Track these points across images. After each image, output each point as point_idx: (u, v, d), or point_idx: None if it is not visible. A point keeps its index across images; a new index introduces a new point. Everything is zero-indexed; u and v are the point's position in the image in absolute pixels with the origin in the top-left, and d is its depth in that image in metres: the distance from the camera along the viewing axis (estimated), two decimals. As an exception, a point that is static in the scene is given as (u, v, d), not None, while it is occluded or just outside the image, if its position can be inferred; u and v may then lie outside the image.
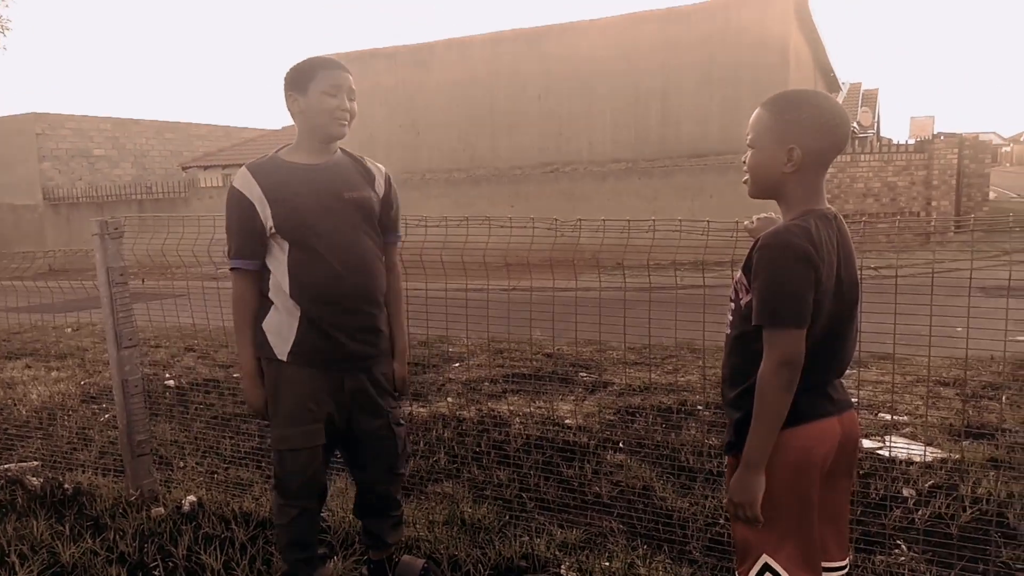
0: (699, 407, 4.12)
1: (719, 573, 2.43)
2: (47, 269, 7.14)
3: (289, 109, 2.20)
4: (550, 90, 15.07)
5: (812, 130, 1.52)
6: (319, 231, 2.12)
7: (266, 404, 2.22)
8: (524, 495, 3.09)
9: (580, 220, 3.35)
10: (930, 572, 2.36)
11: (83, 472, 3.52)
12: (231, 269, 2.20)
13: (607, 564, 2.48)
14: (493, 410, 4.21)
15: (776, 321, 1.48)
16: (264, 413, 2.24)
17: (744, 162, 1.62)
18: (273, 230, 2.12)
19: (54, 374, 5.61)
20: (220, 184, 20.08)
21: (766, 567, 1.56)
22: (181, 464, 3.59)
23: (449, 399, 4.54)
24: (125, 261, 3.16)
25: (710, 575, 2.40)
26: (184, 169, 22.92)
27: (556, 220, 3.45)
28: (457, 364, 5.45)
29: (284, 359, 2.16)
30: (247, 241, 2.15)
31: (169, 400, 4.64)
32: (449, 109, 15.97)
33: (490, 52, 15.52)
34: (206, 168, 22.59)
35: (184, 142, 24.22)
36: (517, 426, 3.89)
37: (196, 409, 4.38)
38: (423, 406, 4.35)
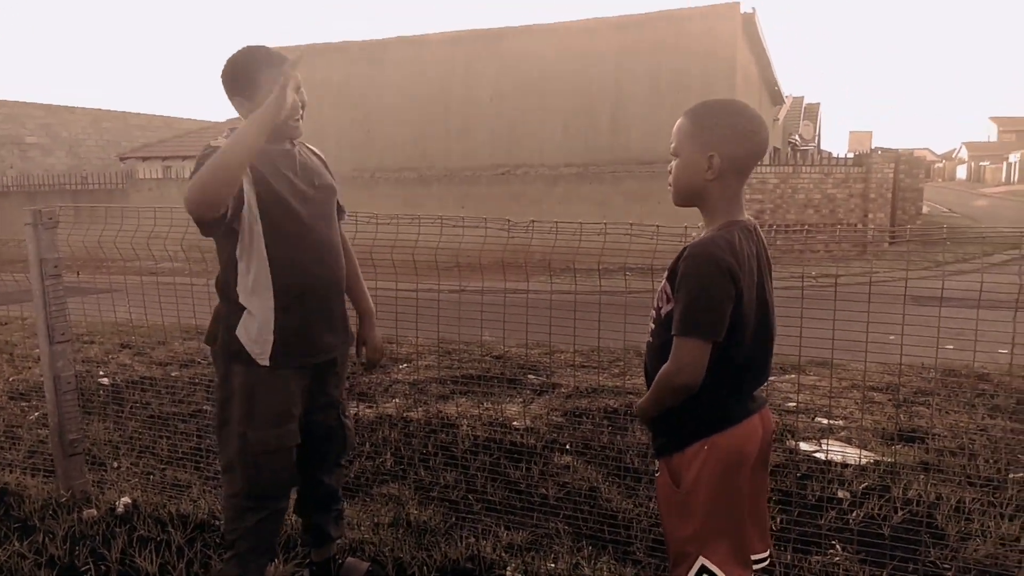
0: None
1: (662, 573, 2.47)
2: (-27, 259, 6.80)
3: (237, 111, 2.10)
4: (504, 93, 15.10)
5: (731, 137, 1.56)
6: (296, 216, 2.05)
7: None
8: (471, 497, 3.08)
9: (533, 221, 3.37)
10: (863, 572, 2.44)
11: (10, 472, 3.36)
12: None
13: (552, 566, 2.49)
14: (441, 411, 4.18)
15: (689, 330, 1.51)
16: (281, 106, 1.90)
17: (669, 171, 1.66)
18: (253, 205, 1.97)
19: (-22, 370, 5.34)
20: (160, 176, 19.49)
21: (703, 569, 1.58)
22: (115, 464, 3.46)
23: (396, 400, 4.49)
24: (59, 253, 3.04)
25: (653, 575, 2.43)
26: (122, 160, 22.17)
27: (509, 221, 3.46)
28: (405, 365, 5.40)
29: (266, 363, 2.06)
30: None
31: (103, 398, 4.47)
32: (401, 108, 15.85)
33: (445, 52, 15.46)
34: (145, 159, 21.92)
35: (122, 132, 23.44)
36: (465, 428, 3.88)
37: (131, 408, 4.23)
38: (369, 407, 4.29)
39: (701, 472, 1.57)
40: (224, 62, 2.10)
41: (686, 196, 1.64)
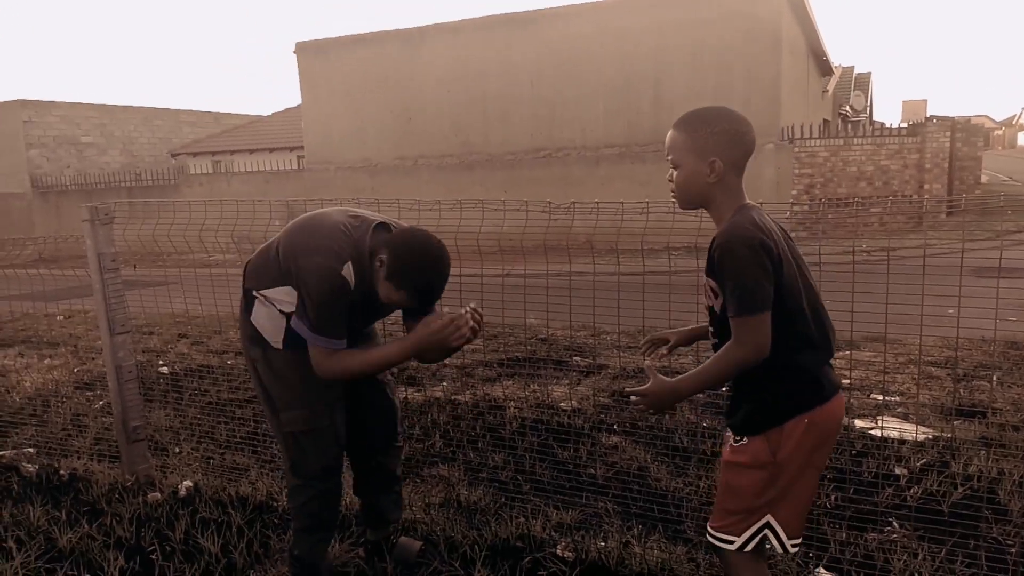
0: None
1: (713, 552, 2.45)
2: (37, 257, 7.09)
3: (377, 255, 2.02)
4: (542, 75, 15.00)
5: (726, 142, 1.66)
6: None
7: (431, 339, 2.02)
8: (519, 477, 3.11)
9: (574, 203, 3.35)
10: (922, 549, 2.39)
11: (78, 459, 3.51)
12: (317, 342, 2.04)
13: (603, 544, 2.50)
14: (488, 394, 4.22)
15: (745, 310, 1.56)
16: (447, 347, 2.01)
17: (670, 179, 1.73)
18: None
19: (47, 361, 5.59)
20: (210, 171, 19.97)
21: (767, 525, 1.68)
22: (176, 450, 3.59)
23: (444, 384, 4.54)
24: (116, 247, 3.15)
25: (704, 553, 2.42)
26: (173, 156, 22.77)
27: (550, 203, 3.45)
28: (451, 349, 5.45)
29: (279, 347, 2.15)
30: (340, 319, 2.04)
31: (163, 387, 4.63)
32: (440, 95, 15.89)
33: (481, 37, 15.42)
34: (195, 155, 22.47)
35: (172, 129, 24.03)
36: (512, 410, 3.91)
37: (191, 395, 4.37)
38: (418, 391, 4.35)
39: (800, 445, 1.63)
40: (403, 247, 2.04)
41: (692, 201, 1.73)
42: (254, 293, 2.16)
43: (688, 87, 13.94)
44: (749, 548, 1.69)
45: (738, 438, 1.71)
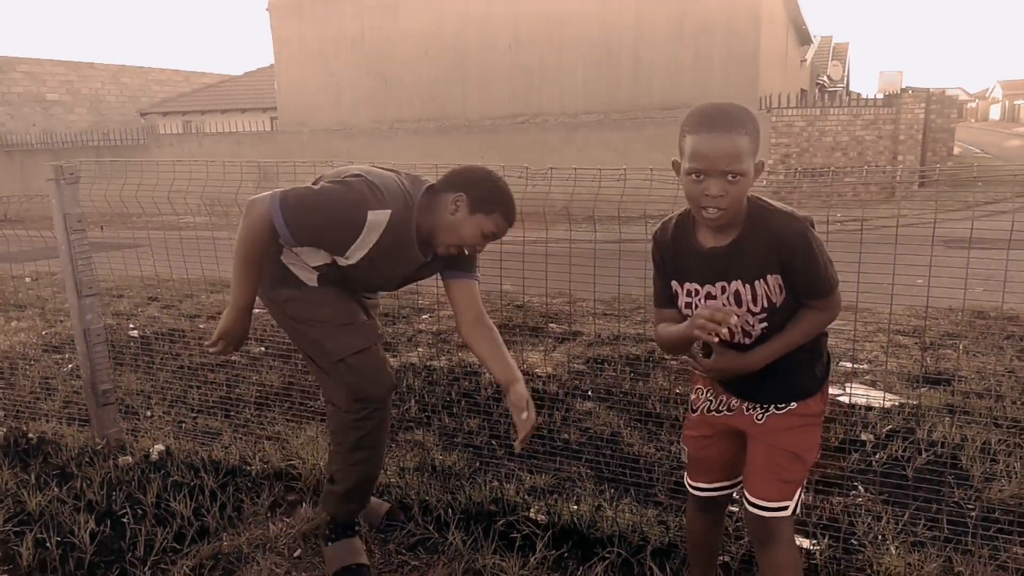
0: (666, 356, 4.17)
1: (683, 514, 2.50)
2: (3, 217, 6.90)
3: (446, 202, 2.08)
4: (521, 40, 14.80)
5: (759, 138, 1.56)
6: (368, 283, 2.27)
7: (243, 335, 2.21)
8: (494, 442, 3.13)
9: (551, 169, 3.33)
10: (886, 512, 2.45)
11: (47, 422, 3.46)
12: (275, 205, 1.99)
13: (575, 507, 2.53)
14: (463, 360, 4.22)
15: (834, 285, 1.62)
16: (237, 341, 2.22)
17: (723, 194, 1.48)
18: (347, 256, 2.08)
19: (14, 324, 5.48)
20: (180, 131, 19.54)
21: (799, 496, 1.74)
22: (148, 413, 3.56)
23: (420, 349, 4.54)
24: (82, 208, 3.07)
25: (675, 516, 2.46)
26: (142, 115, 22.22)
27: (527, 168, 3.42)
28: (427, 316, 5.44)
29: (314, 284, 2.17)
30: (328, 231, 2.04)
31: (134, 350, 4.57)
32: (418, 58, 15.62)
33: (460, 0, 15.14)
34: (165, 115, 21.95)
35: (142, 87, 23.42)
36: (487, 375, 3.91)
37: (162, 359, 4.32)
38: (393, 356, 4.34)
39: (825, 401, 1.76)
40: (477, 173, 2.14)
41: (737, 213, 1.56)
42: (293, 249, 2.14)
43: (668, 56, 13.86)
44: (797, 510, 1.74)
45: (781, 405, 1.69)
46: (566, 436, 3.16)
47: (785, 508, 1.71)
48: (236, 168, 3.49)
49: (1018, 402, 3.33)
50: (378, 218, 2.01)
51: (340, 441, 2.24)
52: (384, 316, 5.13)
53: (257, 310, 4.78)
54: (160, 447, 3.11)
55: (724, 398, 1.78)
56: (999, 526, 2.35)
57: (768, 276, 1.59)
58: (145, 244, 3.99)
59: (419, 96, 15.76)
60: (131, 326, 5.26)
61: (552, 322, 5.15)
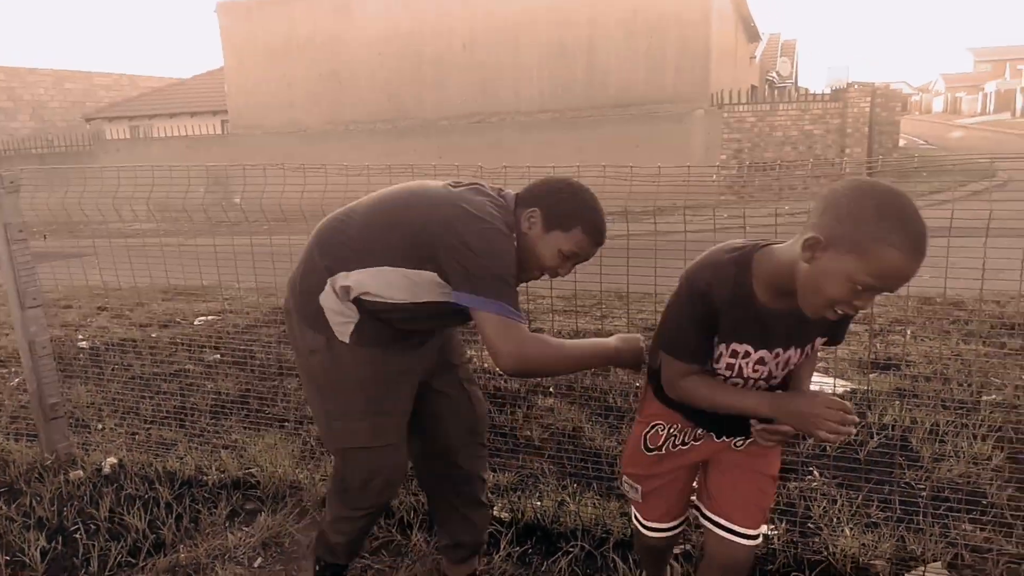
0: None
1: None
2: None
3: (524, 216, 1.77)
4: (476, 40, 14.78)
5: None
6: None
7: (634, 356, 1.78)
8: (456, 442, 3.11)
9: (506, 167, 3.33)
10: (840, 495, 2.51)
11: (-9, 439, 3.34)
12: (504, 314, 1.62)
13: (539, 503, 2.54)
14: (424, 361, 4.19)
15: None
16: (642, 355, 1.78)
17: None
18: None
19: (-46, 340, 5.27)
20: (128, 136, 19.04)
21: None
22: (99, 426, 3.46)
23: (379, 352, 4.50)
24: (23, 216, 2.96)
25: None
26: (88, 121, 21.59)
27: (481, 168, 3.41)
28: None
29: (345, 340, 1.75)
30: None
31: (83, 362, 4.44)
32: (372, 59, 15.48)
33: (415, 0, 15.05)
34: (111, 120, 21.36)
35: (86, 92, 22.76)
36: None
37: (113, 370, 4.20)
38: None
39: None
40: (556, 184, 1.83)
41: None
42: (330, 275, 1.73)
43: (621, 55, 13.99)
44: None
45: (759, 427, 1.52)
46: (528, 433, 3.16)
47: (762, 532, 1.67)
48: (186, 173, 3.42)
49: (964, 384, 3.44)
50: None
51: (331, 520, 1.99)
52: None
53: (210, 317, 4.67)
54: (112, 460, 3.03)
55: (689, 430, 1.68)
56: (948, 504, 2.43)
57: (818, 339, 1.54)
58: (93, 253, 3.87)
59: (374, 97, 15.63)
60: (80, 337, 5.11)
61: (512, 320, 5.15)
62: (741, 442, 1.66)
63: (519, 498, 2.58)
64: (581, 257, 1.81)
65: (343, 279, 1.70)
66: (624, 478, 1.82)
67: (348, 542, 2.02)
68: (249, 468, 2.86)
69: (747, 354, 1.49)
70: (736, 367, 1.51)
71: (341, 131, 15.68)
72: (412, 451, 2.03)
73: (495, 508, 2.53)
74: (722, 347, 1.50)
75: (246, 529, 2.50)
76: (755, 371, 1.51)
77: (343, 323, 1.74)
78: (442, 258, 1.64)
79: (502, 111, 14.86)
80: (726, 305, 1.44)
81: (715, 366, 1.52)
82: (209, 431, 3.30)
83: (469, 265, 1.61)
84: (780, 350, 1.50)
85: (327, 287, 1.73)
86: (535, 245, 1.76)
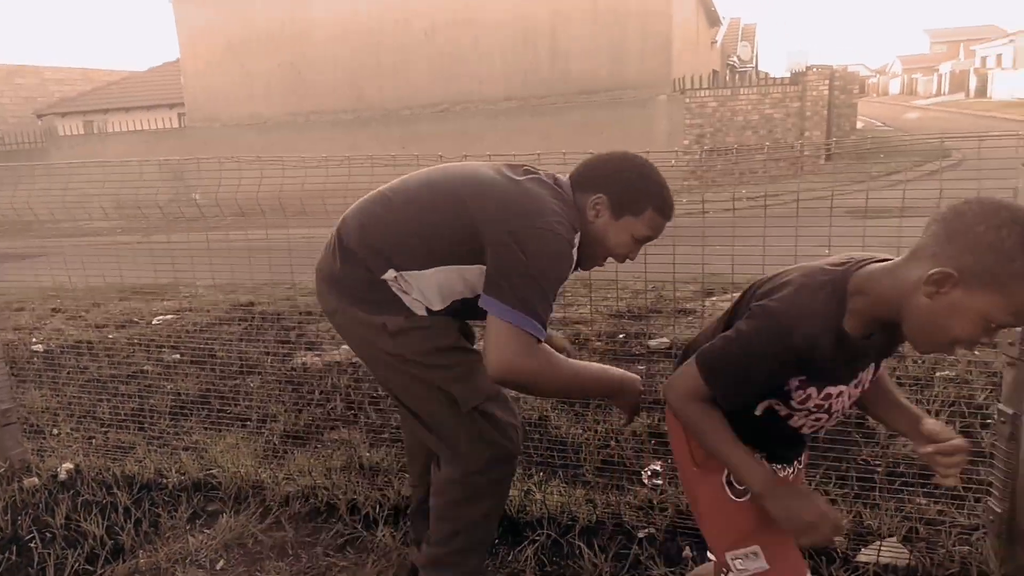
0: (591, 338, 4.23)
1: (610, 491, 2.54)
2: None
3: (588, 204, 1.67)
4: (438, 27, 14.64)
5: None
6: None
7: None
8: (422, 435, 3.10)
9: (465, 156, 3.30)
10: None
11: (-59, 448, 3.24)
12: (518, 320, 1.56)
13: (504, 494, 2.54)
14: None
15: None
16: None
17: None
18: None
19: (-99, 347, 5.10)
20: (82, 132, 18.55)
21: None
22: (55, 431, 3.38)
23: (344, 347, 4.45)
24: (-33, 217, 2.87)
25: (602, 493, 2.50)
26: (39, 117, 20.96)
27: (441, 156, 3.38)
28: (351, 310, 5.35)
29: (423, 312, 1.67)
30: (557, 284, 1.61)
31: (37, 365, 4.32)
32: (332, 48, 15.26)
33: (373, -13, 14.86)
34: (64, 115, 20.77)
35: (37, 87, 22.09)
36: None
37: (68, 373, 4.10)
38: (317, 355, 4.25)
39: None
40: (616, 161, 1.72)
41: None
42: (389, 267, 1.64)
43: (584, 41, 13.97)
44: None
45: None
46: (494, 423, 3.16)
47: None
48: (144, 168, 3.34)
49: (919, 361, 3.52)
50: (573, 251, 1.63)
51: (464, 512, 1.80)
52: (307, 314, 5.02)
53: (169, 317, 4.58)
54: (68, 466, 2.96)
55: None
56: (903, 479, 2.48)
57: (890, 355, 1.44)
58: (45, 253, 3.77)
59: (335, 87, 15.41)
60: (33, 340, 4.97)
61: (478, 310, 5.14)
62: (793, 470, 1.52)
63: (485, 489, 2.58)
64: (653, 238, 1.70)
65: (400, 276, 1.64)
66: (730, 557, 1.42)
67: (496, 512, 1.87)
68: (210, 469, 2.81)
69: (840, 394, 1.35)
70: (826, 406, 1.36)
71: (302, 122, 15.46)
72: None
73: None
74: (811, 390, 1.33)
75: (208, 531, 2.46)
76: (841, 405, 1.38)
77: (413, 301, 1.66)
78: (489, 253, 1.56)
79: (466, 99, 14.77)
80: (822, 352, 1.25)
81: (798, 405, 1.36)
82: (169, 433, 3.24)
83: (513, 267, 1.51)
84: (861, 375, 1.37)
85: (388, 275, 1.64)
86: (604, 234, 1.66)
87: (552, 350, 1.63)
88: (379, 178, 3.29)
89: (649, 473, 2.68)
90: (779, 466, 1.49)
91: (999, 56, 42.74)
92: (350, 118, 15.21)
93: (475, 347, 1.80)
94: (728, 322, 1.41)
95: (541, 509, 2.43)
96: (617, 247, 1.68)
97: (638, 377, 1.74)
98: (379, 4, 14.83)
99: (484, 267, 1.59)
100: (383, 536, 2.34)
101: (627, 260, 1.74)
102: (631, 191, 1.65)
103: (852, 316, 1.24)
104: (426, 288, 1.64)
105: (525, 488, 2.56)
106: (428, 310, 1.67)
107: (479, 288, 1.61)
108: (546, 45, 14.26)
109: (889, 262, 1.24)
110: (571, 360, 1.66)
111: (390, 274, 1.64)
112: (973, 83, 40.07)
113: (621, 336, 4.26)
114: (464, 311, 1.70)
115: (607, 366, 1.72)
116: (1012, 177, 1.97)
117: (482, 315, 1.61)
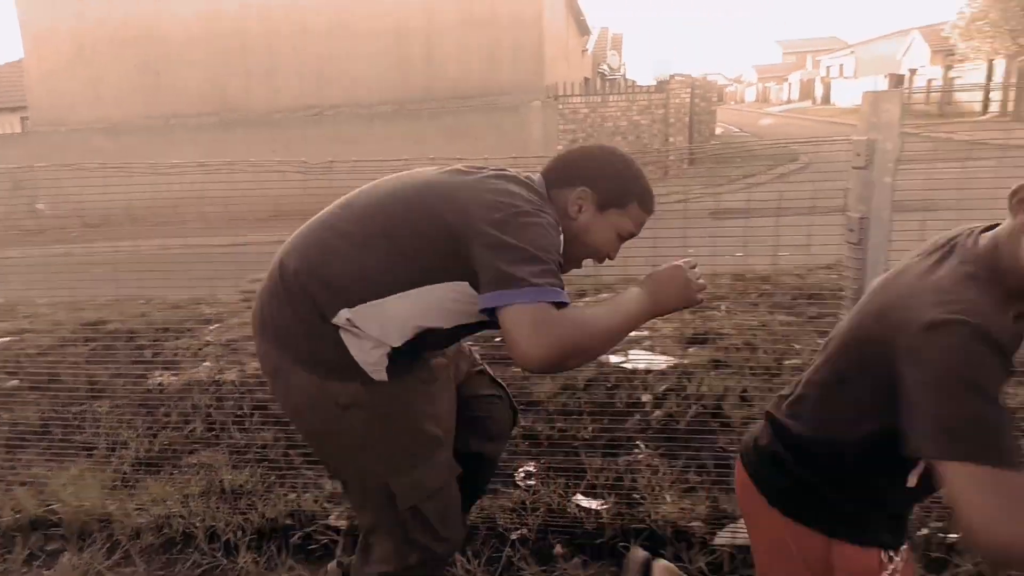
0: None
1: (483, 495, 2.54)
2: None
3: (570, 200, 1.55)
4: (307, 27, 14.23)
5: None
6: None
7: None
8: (291, 453, 2.99)
9: (332, 162, 3.22)
10: (663, 464, 2.67)
11: None
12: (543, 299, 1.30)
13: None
14: (257, 369, 3.99)
15: None
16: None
17: None
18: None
19: None
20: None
21: None
22: None
23: (207, 364, 4.22)
24: None
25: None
26: None
27: (304, 162, 3.29)
28: (216, 325, 5.08)
29: (384, 379, 1.48)
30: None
31: None
32: (193, 49, 14.49)
33: (235, -15, 14.24)
34: None
35: None
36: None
37: None
38: (175, 375, 4.00)
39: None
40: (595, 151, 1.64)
41: None
42: (347, 307, 1.43)
43: (458, 45, 14.02)
44: None
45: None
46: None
47: None
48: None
49: (770, 351, 3.77)
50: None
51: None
52: (165, 331, 4.72)
53: (6, 339, 4.19)
54: None
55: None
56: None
57: None
58: None
59: (196, 88, 14.64)
60: None
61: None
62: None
63: (355, 503, 2.52)
64: (635, 234, 1.61)
65: (367, 311, 1.41)
66: None
67: None
68: (50, 504, 2.58)
69: None
70: None
71: (160, 126, 14.57)
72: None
73: (331, 516, 2.46)
74: None
75: (47, 573, 2.26)
76: None
77: (376, 360, 1.45)
78: (475, 254, 1.35)
79: (339, 103, 14.44)
80: (1012, 346, 1.03)
81: None
82: (3, 467, 2.95)
83: (504, 253, 1.32)
84: None
85: (344, 324, 1.42)
86: (588, 230, 1.54)
87: (575, 309, 1.37)
88: (247, 185, 3.16)
89: (523, 474, 2.72)
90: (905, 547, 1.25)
91: (841, 66, 46.76)
92: (214, 121, 14.49)
93: (437, 428, 1.59)
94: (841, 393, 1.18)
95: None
96: (601, 243, 1.58)
97: (675, 264, 1.52)
98: (244, 1, 14.25)
99: (460, 283, 1.42)
100: (244, 563, 2.24)
101: (605, 261, 1.64)
102: (617, 182, 1.56)
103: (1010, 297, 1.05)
104: (387, 320, 1.43)
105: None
106: (390, 360, 1.46)
107: (448, 314, 1.46)
108: (420, 48, 14.20)
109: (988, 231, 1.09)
110: (595, 308, 1.45)
111: (342, 316, 1.42)
112: (819, 91, 43.56)
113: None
114: (428, 344, 1.52)
115: (621, 299, 1.47)
116: (844, 179, 2.13)
117: (444, 344, 1.53)
